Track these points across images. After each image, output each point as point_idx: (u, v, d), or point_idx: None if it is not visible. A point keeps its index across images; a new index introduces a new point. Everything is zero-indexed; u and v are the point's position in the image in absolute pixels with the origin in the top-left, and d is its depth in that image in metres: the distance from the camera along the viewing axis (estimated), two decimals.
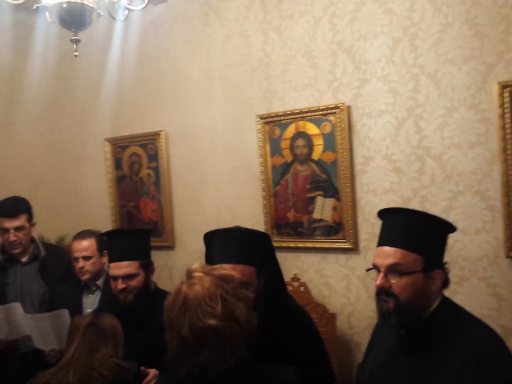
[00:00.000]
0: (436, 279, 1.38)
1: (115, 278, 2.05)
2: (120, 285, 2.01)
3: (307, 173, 2.96)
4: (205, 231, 1.81)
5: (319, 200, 2.93)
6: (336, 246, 2.86)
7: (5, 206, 2.58)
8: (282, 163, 3.04)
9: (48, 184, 3.82)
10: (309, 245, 2.96)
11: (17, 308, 2.21)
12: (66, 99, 3.92)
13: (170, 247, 3.52)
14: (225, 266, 1.54)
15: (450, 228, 1.45)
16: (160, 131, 3.51)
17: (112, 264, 2.07)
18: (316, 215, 2.94)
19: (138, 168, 3.67)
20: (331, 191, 2.88)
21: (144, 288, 2.08)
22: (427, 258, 1.37)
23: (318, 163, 2.92)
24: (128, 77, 3.68)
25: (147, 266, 2.11)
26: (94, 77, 3.81)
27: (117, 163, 3.77)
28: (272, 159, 3.07)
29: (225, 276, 1.32)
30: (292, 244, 3.00)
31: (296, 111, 2.96)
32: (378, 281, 1.39)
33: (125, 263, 2.05)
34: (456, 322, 1.36)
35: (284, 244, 3.02)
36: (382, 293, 1.39)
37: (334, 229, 2.88)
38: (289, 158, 3.02)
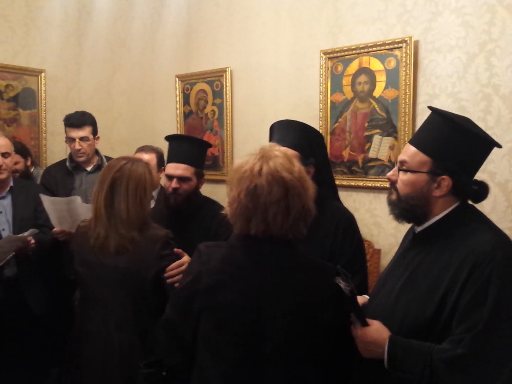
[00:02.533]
0: (443, 185, 1.36)
1: (171, 177, 2.18)
2: (174, 184, 2.13)
3: (367, 111, 2.89)
4: None
5: (376, 138, 2.85)
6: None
7: (72, 117, 2.84)
8: (342, 100, 2.98)
9: (125, 119, 4.07)
10: (362, 184, 2.92)
11: (78, 200, 2.43)
12: (140, 37, 4.09)
13: None
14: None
15: (485, 142, 1.39)
16: (226, 67, 3.58)
17: (171, 164, 2.19)
18: (372, 153, 2.87)
19: (203, 104, 3.78)
20: (390, 129, 2.79)
21: (194, 193, 2.20)
22: (438, 163, 1.35)
23: (379, 100, 2.83)
24: (198, 14, 3.76)
25: (200, 175, 2.24)
26: (166, 14, 3.94)
27: (185, 99, 3.91)
28: (332, 96, 3.02)
29: None
30: (345, 183, 2.96)
31: (361, 46, 2.87)
32: (388, 173, 1.47)
33: (183, 165, 2.18)
34: (470, 226, 1.35)
35: (337, 182, 2.91)
36: (391, 186, 1.46)
37: (389, 168, 2.79)
38: (349, 95, 2.95)
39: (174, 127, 3.98)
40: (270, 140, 1.95)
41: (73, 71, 3.72)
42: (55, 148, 3.57)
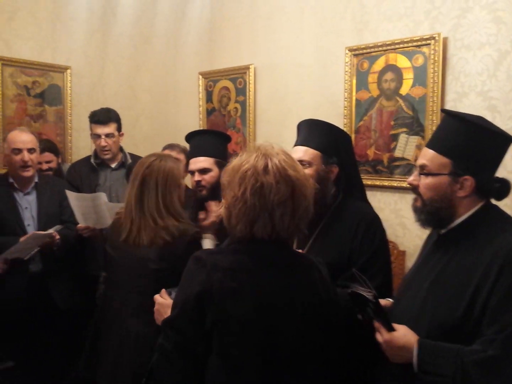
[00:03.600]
0: (466, 185, 1.35)
1: (192, 172, 2.22)
2: (196, 177, 2.16)
3: (393, 109, 2.83)
4: None
5: (403, 137, 2.80)
6: None
7: (98, 114, 2.87)
8: (368, 98, 2.94)
9: (148, 115, 4.09)
10: (387, 183, 2.87)
11: (103, 197, 2.45)
12: (163, 34, 4.10)
13: None
14: (295, 148, 1.82)
15: (502, 138, 1.38)
16: (250, 65, 3.56)
17: (191, 160, 2.24)
18: (398, 153, 2.82)
19: (226, 102, 3.78)
20: (417, 128, 2.73)
21: (218, 184, 2.19)
22: (458, 164, 1.35)
23: (406, 98, 2.77)
24: (221, 11, 3.75)
25: (222, 165, 2.22)
26: (189, 11, 3.94)
27: (208, 96, 3.91)
28: (357, 93, 2.98)
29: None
30: (369, 182, 2.92)
31: (387, 43, 2.82)
32: (409, 178, 1.46)
33: (201, 158, 2.21)
34: (496, 225, 1.34)
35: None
36: (414, 191, 1.45)
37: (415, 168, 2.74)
38: (375, 93, 2.90)
39: (196, 124, 3.99)
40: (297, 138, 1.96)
41: (97, 67, 3.75)
42: (80, 144, 3.61)
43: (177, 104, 4.17)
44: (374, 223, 1.85)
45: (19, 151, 2.53)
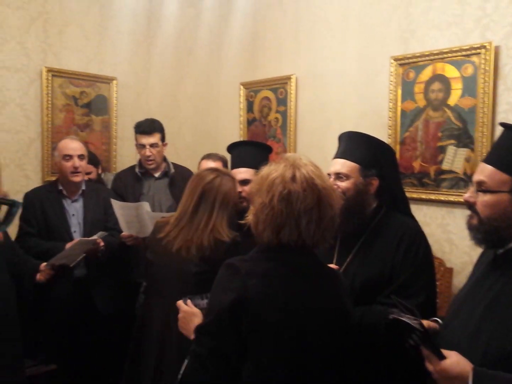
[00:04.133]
0: None
1: None
2: (237, 188, 2.15)
3: (440, 120, 2.75)
4: None
5: (451, 149, 2.70)
6: None
7: (142, 125, 2.92)
8: (414, 108, 2.86)
9: (190, 125, 4.14)
10: (433, 197, 2.77)
11: (146, 207, 2.48)
12: (206, 44, 4.15)
13: None
14: (334, 160, 1.82)
15: None
16: (291, 75, 3.54)
17: (232, 171, 2.25)
18: (446, 165, 2.72)
19: (267, 112, 3.77)
20: (466, 140, 2.63)
21: None
22: None
23: (454, 109, 2.68)
24: (264, 21, 3.77)
25: None
26: (232, 22, 3.98)
27: (249, 107, 3.92)
28: (402, 104, 2.91)
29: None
30: (415, 195, 2.83)
31: (435, 52, 2.74)
32: (465, 195, 1.39)
33: (242, 169, 2.23)
34: None
35: (406, 195, 2.84)
36: (470, 208, 1.38)
37: (464, 181, 2.64)
38: (421, 103, 2.83)
39: (237, 134, 4.00)
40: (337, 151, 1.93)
41: (142, 78, 3.83)
42: (124, 152, 3.68)
43: (218, 114, 4.21)
44: (417, 237, 1.78)
45: (69, 157, 2.62)
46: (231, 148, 2.42)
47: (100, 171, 3.30)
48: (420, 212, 2.84)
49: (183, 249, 1.87)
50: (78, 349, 2.67)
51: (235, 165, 2.32)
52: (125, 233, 2.60)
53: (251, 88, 3.89)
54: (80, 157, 2.66)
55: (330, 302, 1.31)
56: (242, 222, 1.43)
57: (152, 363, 1.91)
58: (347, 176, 1.78)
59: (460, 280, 2.61)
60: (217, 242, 1.86)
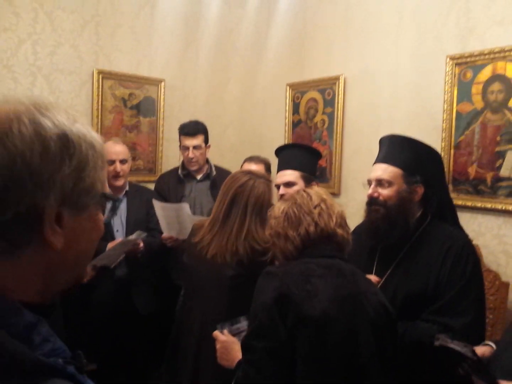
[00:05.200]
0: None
1: (278, 186, 2.22)
2: (281, 191, 2.16)
3: (500, 123, 2.55)
4: None
5: (510, 155, 2.50)
6: None
7: (187, 126, 2.93)
8: (470, 110, 2.67)
9: (235, 126, 4.13)
10: (489, 205, 2.58)
11: (186, 209, 2.47)
12: (253, 45, 4.10)
13: (336, 194, 3.47)
14: (375, 166, 1.75)
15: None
16: (340, 75, 3.43)
17: (277, 174, 2.24)
18: (504, 172, 2.52)
19: (313, 114, 3.67)
20: None
21: None
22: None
23: None
24: (314, 20, 3.67)
25: (308, 180, 2.19)
26: (280, 21, 3.91)
27: (295, 108, 3.83)
28: (458, 105, 2.72)
29: None
30: (469, 203, 2.65)
31: (496, 50, 2.55)
32: None
33: (287, 172, 2.20)
34: None
35: (460, 202, 2.67)
36: None
37: None
38: (479, 105, 2.63)
39: (282, 135, 3.93)
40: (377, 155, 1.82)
41: (190, 79, 3.84)
42: (169, 153, 3.71)
43: (263, 115, 4.15)
44: (465, 250, 1.64)
45: (112, 162, 2.66)
46: (279, 151, 2.40)
47: None
48: (474, 222, 2.66)
49: (218, 255, 1.84)
50: (118, 349, 2.70)
51: (280, 167, 2.30)
52: (165, 234, 2.60)
53: (298, 89, 3.81)
54: (123, 161, 2.70)
55: (370, 296, 1.32)
56: (264, 259, 1.55)
57: (190, 365, 1.90)
58: (389, 183, 1.67)
59: None
60: (254, 251, 1.81)
